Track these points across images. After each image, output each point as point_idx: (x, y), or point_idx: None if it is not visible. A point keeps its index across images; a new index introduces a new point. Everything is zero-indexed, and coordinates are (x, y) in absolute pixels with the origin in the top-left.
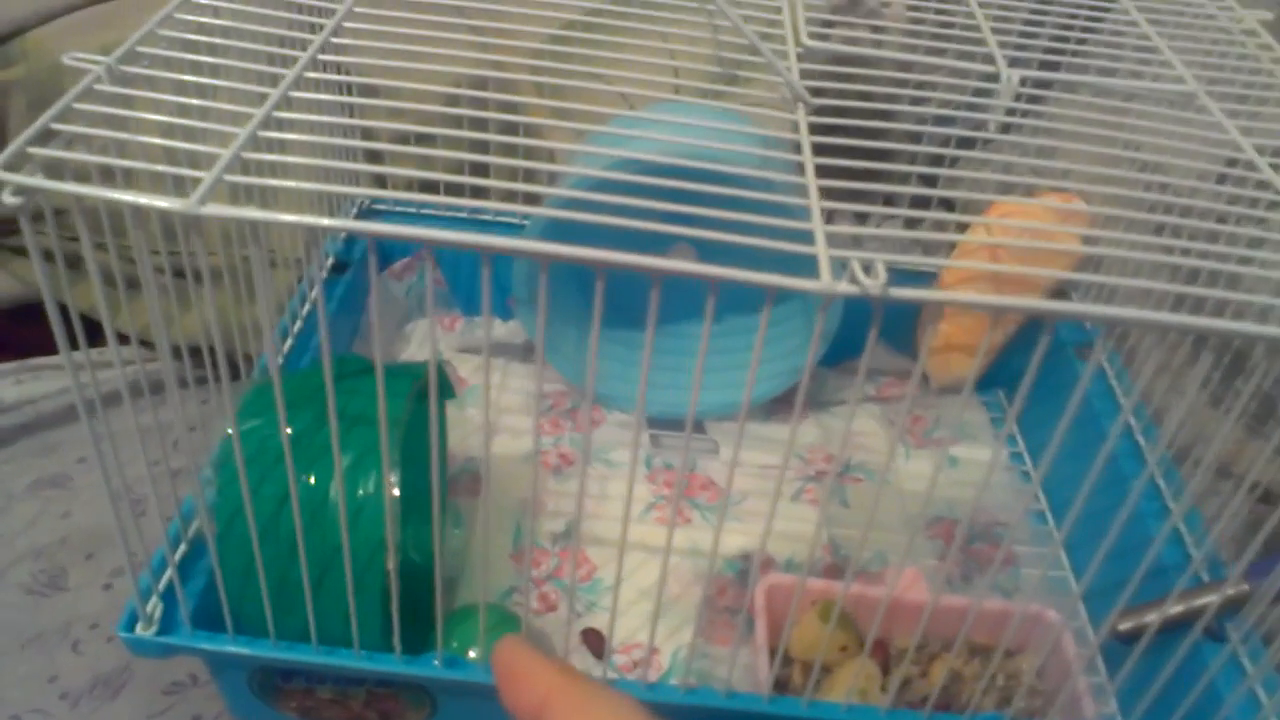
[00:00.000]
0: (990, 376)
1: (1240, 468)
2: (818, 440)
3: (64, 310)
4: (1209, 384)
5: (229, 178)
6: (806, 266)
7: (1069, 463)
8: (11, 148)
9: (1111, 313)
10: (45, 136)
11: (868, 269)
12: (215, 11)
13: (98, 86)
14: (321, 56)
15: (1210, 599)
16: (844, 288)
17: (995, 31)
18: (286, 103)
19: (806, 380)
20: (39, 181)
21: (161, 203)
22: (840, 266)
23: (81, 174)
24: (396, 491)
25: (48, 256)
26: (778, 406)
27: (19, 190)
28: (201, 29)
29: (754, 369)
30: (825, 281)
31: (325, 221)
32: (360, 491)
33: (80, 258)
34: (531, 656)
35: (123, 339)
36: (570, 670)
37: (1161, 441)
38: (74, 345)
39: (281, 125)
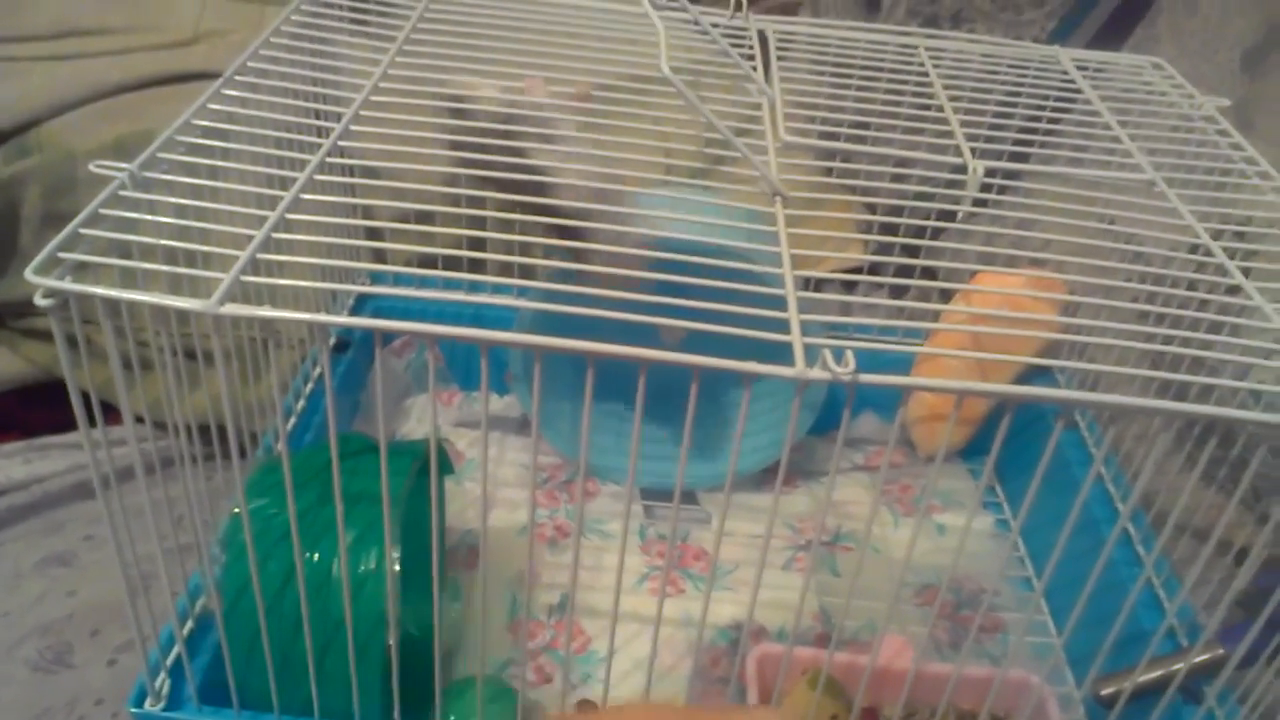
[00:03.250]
0: (977, 444)
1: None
2: (808, 509)
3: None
4: (1184, 450)
5: (244, 278)
6: (784, 351)
7: (1054, 530)
8: (43, 254)
9: (1073, 396)
10: (73, 240)
11: (839, 357)
12: (229, 117)
13: (121, 193)
14: (329, 160)
15: (1184, 663)
16: (816, 374)
17: (965, 125)
18: (297, 204)
19: (785, 458)
20: (69, 285)
21: (185, 304)
22: (815, 353)
23: (104, 271)
24: (397, 568)
25: (70, 342)
26: (769, 476)
27: (50, 293)
28: (216, 135)
29: (737, 446)
30: (799, 368)
31: (334, 319)
32: (362, 568)
33: (92, 340)
34: None
35: (137, 418)
36: None
37: (1130, 502)
38: (92, 424)
39: (291, 226)
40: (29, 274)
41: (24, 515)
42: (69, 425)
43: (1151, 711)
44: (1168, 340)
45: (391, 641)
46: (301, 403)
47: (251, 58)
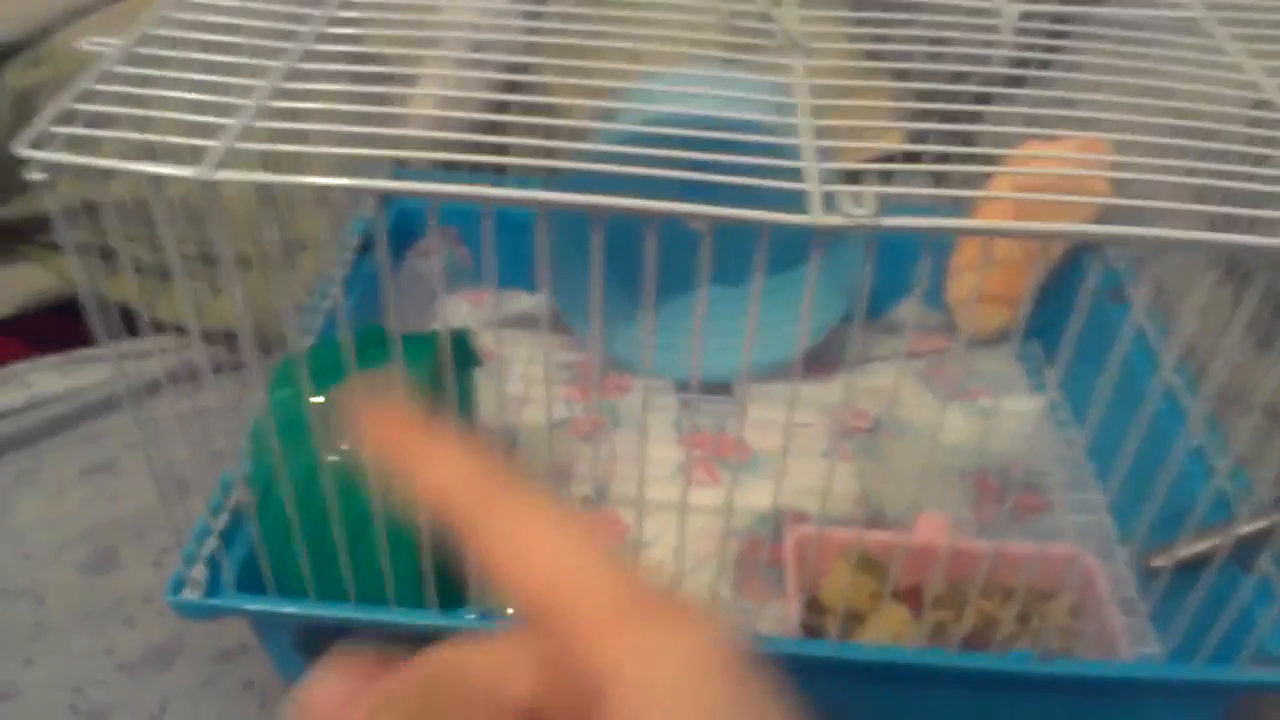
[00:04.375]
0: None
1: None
2: (844, 398)
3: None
4: (1256, 331)
5: (246, 145)
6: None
7: (1106, 411)
8: (35, 127)
9: (1138, 233)
10: (67, 117)
11: (858, 200)
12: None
13: (115, 68)
14: (329, 30)
15: (1249, 527)
16: (833, 220)
17: None
18: (295, 74)
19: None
20: (63, 157)
21: (178, 171)
22: (831, 200)
23: (101, 154)
24: None
25: (83, 250)
26: (807, 363)
27: (45, 167)
28: (213, 9)
29: (751, 337)
30: (815, 213)
31: (339, 181)
32: None
33: (114, 251)
34: (399, 415)
35: (160, 327)
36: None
37: (1168, 360)
38: (114, 336)
39: (293, 95)
40: (22, 149)
41: (65, 425)
42: (111, 337)
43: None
44: (1229, 178)
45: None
46: (327, 302)
47: None
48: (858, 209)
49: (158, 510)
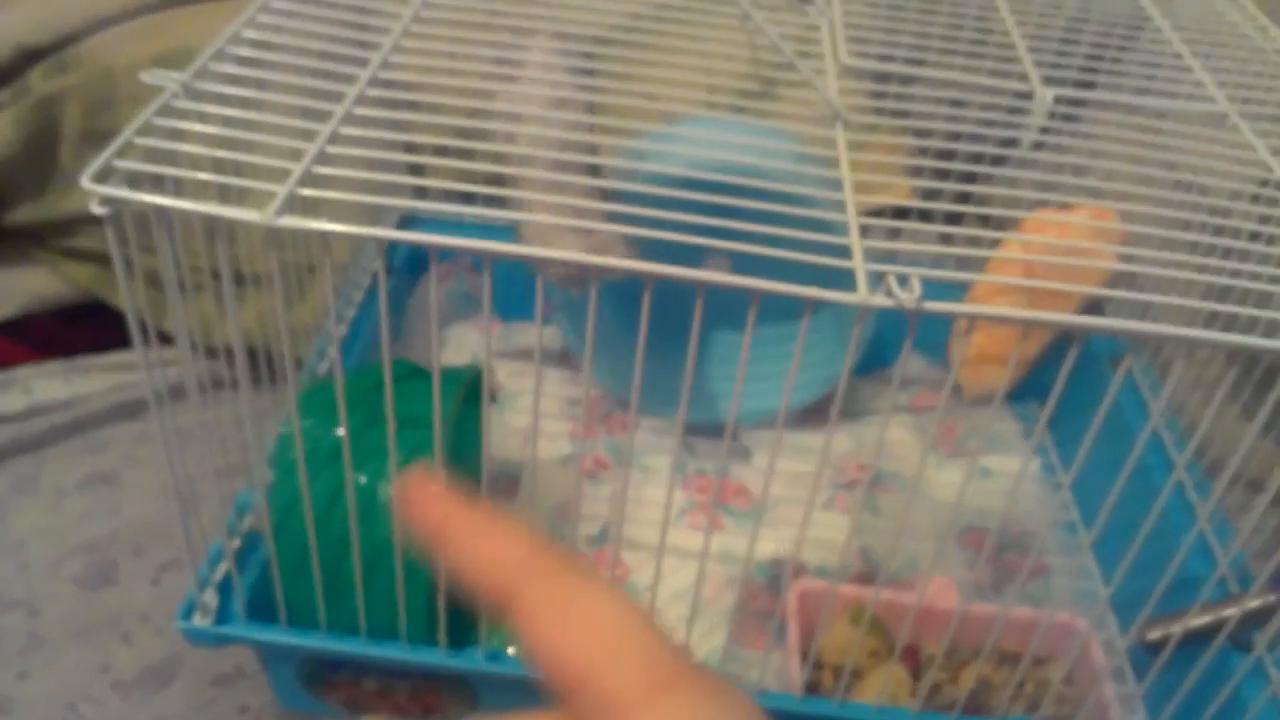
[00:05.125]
0: (1024, 388)
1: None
2: (850, 449)
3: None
4: (1240, 398)
5: (300, 191)
6: (841, 278)
7: (1101, 475)
8: (99, 160)
9: (1141, 328)
10: (128, 151)
11: (903, 283)
12: (277, 29)
13: (175, 103)
14: (381, 74)
15: (1236, 609)
16: (880, 300)
17: (1030, 50)
18: (350, 119)
19: (842, 390)
20: (125, 193)
21: (243, 215)
22: (876, 279)
23: (156, 185)
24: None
25: (100, 261)
26: (809, 414)
27: (105, 201)
28: (267, 46)
29: (792, 377)
30: (861, 294)
31: (394, 234)
32: None
33: (131, 262)
34: (435, 488)
35: (167, 339)
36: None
37: (1188, 451)
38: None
39: (345, 140)
40: (85, 181)
41: (66, 434)
42: (109, 345)
43: (1196, 659)
44: (1235, 274)
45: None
46: (343, 327)
47: None
48: (903, 292)
49: (158, 525)
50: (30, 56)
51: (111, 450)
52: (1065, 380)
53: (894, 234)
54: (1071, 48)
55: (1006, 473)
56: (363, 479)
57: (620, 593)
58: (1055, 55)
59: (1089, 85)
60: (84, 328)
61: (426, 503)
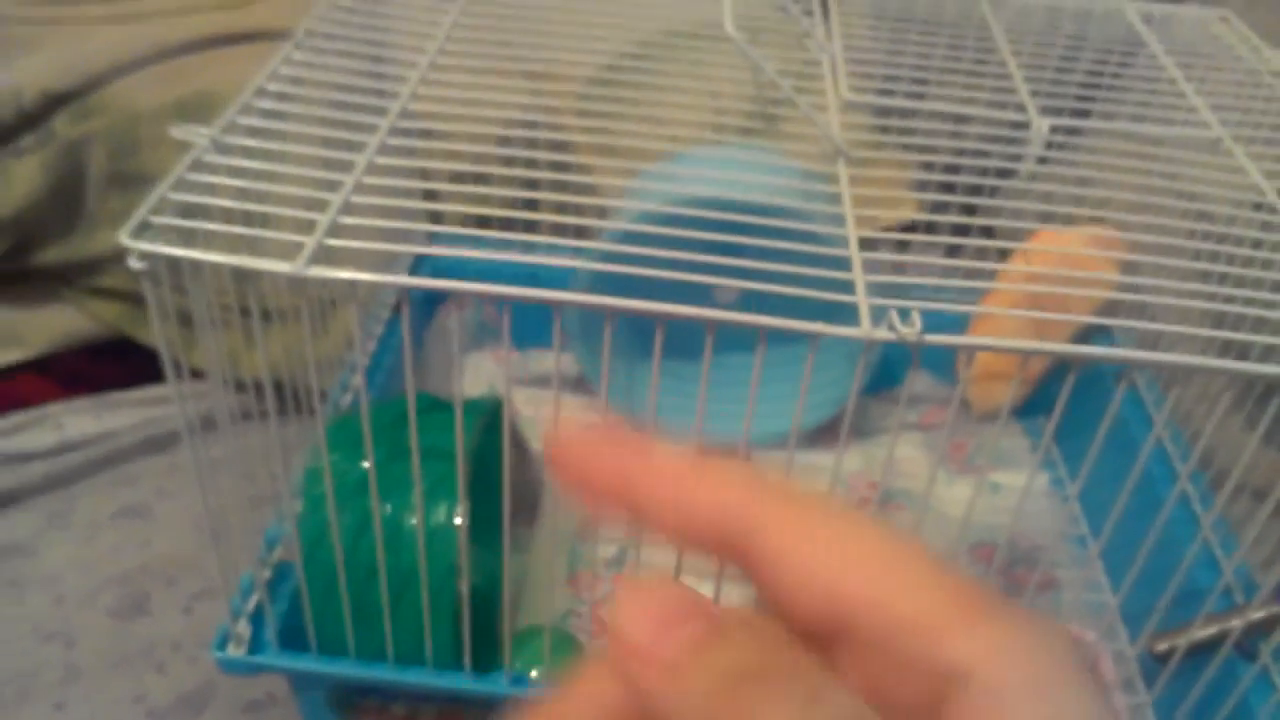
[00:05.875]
0: (1032, 404)
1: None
2: (860, 467)
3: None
4: (1244, 409)
5: (333, 242)
6: (845, 310)
7: (1109, 489)
8: (136, 217)
9: (1142, 357)
10: (163, 207)
11: (904, 316)
12: (298, 80)
13: (204, 157)
14: (400, 123)
15: (1240, 621)
16: (882, 334)
17: (1027, 79)
18: (372, 168)
19: (849, 417)
20: (162, 249)
21: (275, 267)
22: (880, 313)
23: (188, 238)
24: (459, 520)
25: (140, 301)
26: (820, 435)
27: (143, 256)
28: (289, 98)
29: (801, 403)
30: (865, 329)
31: (418, 282)
32: (432, 521)
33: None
34: (604, 432)
35: (200, 375)
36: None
37: (1190, 463)
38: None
39: (369, 190)
40: (125, 239)
41: (97, 469)
42: (136, 380)
43: (1205, 669)
44: (1230, 299)
45: (463, 590)
46: (364, 360)
47: (316, 19)
48: (905, 327)
49: (189, 556)
50: (56, 101)
51: (142, 483)
52: (1069, 398)
53: (899, 263)
54: (1067, 75)
55: (1015, 488)
56: (388, 510)
57: (886, 521)
58: (1051, 84)
59: (1085, 113)
60: (110, 363)
61: (603, 454)
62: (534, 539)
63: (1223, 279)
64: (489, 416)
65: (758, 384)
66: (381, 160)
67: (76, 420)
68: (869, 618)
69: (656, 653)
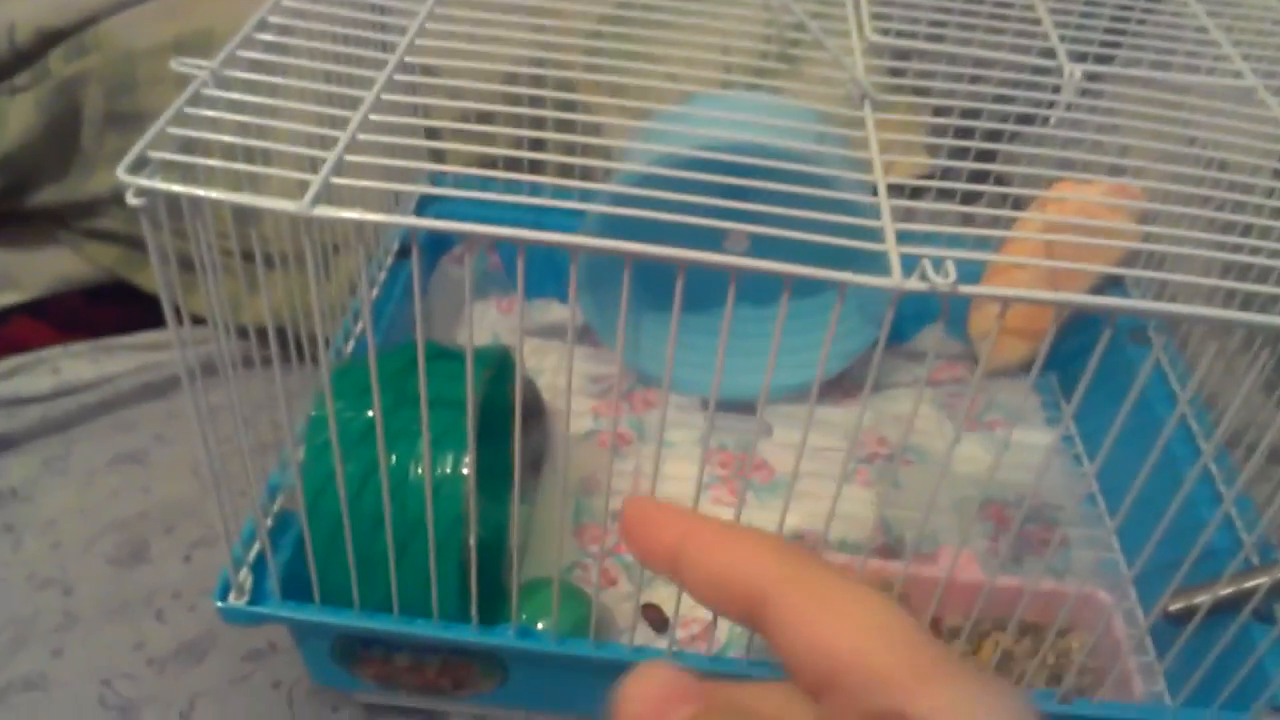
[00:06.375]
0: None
1: None
2: (869, 423)
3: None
4: (1264, 371)
5: (339, 180)
6: (868, 259)
7: (1120, 447)
8: (133, 152)
9: (1169, 309)
10: (162, 142)
11: (937, 265)
12: (301, 14)
13: (205, 91)
14: (407, 59)
15: (1260, 581)
16: (914, 284)
17: (1055, 24)
18: (378, 106)
19: (876, 365)
20: (161, 185)
21: (280, 205)
22: (910, 262)
23: (188, 174)
24: (466, 470)
25: (139, 244)
26: (829, 389)
27: (141, 192)
28: (292, 31)
29: (824, 354)
30: (895, 279)
31: (424, 222)
32: (439, 470)
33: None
34: (664, 505)
35: (200, 320)
36: (705, 515)
37: (1216, 429)
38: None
39: (376, 127)
40: (122, 174)
41: (95, 414)
42: (134, 325)
43: (1217, 630)
44: (1253, 252)
45: (471, 541)
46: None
47: None
48: (938, 276)
49: (188, 503)
50: (50, 39)
51: (140, 429)
52: (1074, 355)
53: (916, 212)
54: (1093, 20)
55: (1025, 445)
56: (394, 459)
57: (877, 590)
58: (1076, 30)
59: (1109, 59)
60: (108, 307)
61: (659, 523)
62: (540, 491)
63: (1246, 231)
64: (496, 366)
65: (780, 335)
66: (388, 97)
67: (73, 365)
68: (848, 673)
69: None
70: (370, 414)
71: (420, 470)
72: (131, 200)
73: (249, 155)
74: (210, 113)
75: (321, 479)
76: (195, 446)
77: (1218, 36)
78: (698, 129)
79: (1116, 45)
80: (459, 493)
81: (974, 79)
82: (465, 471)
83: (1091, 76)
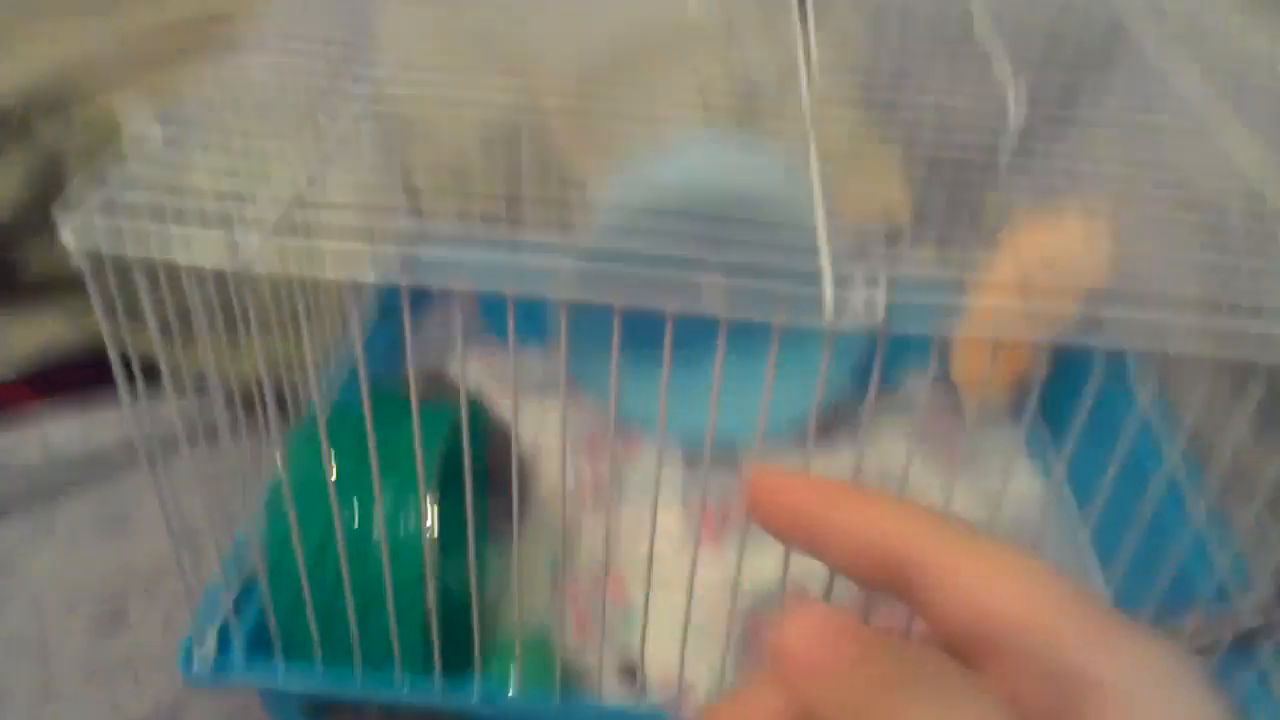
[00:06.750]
0: (1025, 401)
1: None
2: (848, 469)
3: (125, 358)
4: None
5: (276, 239)
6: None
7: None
8: (76, 214)
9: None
10: (107, 204)
11: (869, 303)
12: (258, 71)
13: (154, 148)
14: (358, 109)
15: (1231, 630)
16: (847, 321)
17: (1010, 59)
18: (327, 160)
19: (816, 412)
20: (102, 246)
21: (215, 262)
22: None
23: (140, 238)
24: (428, 523)
25: (112, 309)
26: (814, 433)
27: (85, 252)
28: (246, 87)
29: (766, 399)
30: (828, 315)
31: (368, 280)
32: (400, 530)
33: (138, 306)
34: (793, 472)
35: (181, 385)
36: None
37: (1219, 466)
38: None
39: (324, 182)
40: (65, 235)
41: (81, 479)
42: (130, 392)
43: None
44: (1224, 283)
45: (430, 601)
46: (321, 372)
47: (273, 11)
48: (868, 315)
49: (168, 567)
50: (35, 106)
51: (125, 494)
52: (1056, 395)
53: (892, 246)
54: (1051, 59)
55: (1011, 492)
56: (357, 518)
57: (1018, 549)
58: (1035, 69)
59: (1073, 96)
60: (99, 368)
61: (791, 490)
62: (517, 544)
63: (1215, 266)
64: (464, 419)
65: (744, 371)
66: (338, 152)
67: (61, 430)
68: (1013, 635)
69: (818, 664)
70: (336, 471)
71: (373, 529)
72: (75, 262)
73: (188, 216)
74: (160, 174)
75: (283, 540)
76: (175, 510)
77: (1172, 68)
78: (654, 179)
79: (1076, 88)
80: (419, 552)
81: (937, 127)
82: (431, 525)
83: (1053, 119)
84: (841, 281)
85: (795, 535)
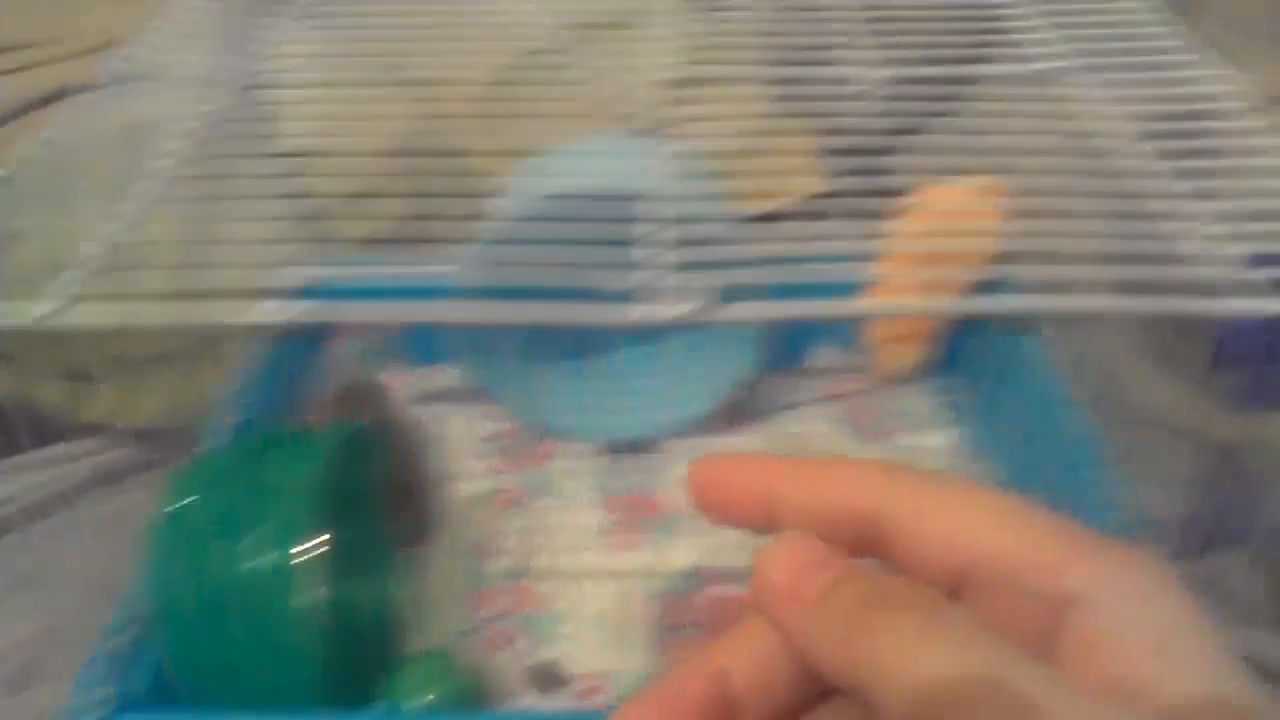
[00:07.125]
0: (939, 363)
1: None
2: (766, 446)
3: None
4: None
5: (95, 288)
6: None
7: (1024, 443)
8: None
9: (1042, 305)
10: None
11: (686, 295)
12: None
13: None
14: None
15: None
16: (660, 313)
17: (877, 33)
18: (164, 199)
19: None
20: None
21: (15, 322)
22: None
23: None
24: (309, 551)
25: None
26: (721, 417)
27: None
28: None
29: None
30: (642, 310)
31: (211, 319)
32: (293, 561)
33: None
34: (735, 458)
35: (86, 430)
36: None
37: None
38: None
39: (149, 227)
40: None
41: None
42: (35, 443)
43: None
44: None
45: (318, 629)
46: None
47: (130, 51)
48: (677, 308)
49: (79, 621)
50: None
51: (35, 549)
52: (969, 354)
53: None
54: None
55: (924, 448)
56: (245, 549)
57: (988, 488)
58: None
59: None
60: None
61: (739, 476)
62: (435, 557)
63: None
64: (348, 442)
65: (657, 364)
66: (167, 194)
67: None
68: (988, 565)
69: (797, 592)
70: (220, 507)
71: (255, 564)
72: None
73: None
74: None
75: (167, 579)
76: (86, 563)
77: (1034, 23)
78: (539, 184)
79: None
80: (309, 581)
81: (833, 97)
82: (317, 554)
83: (906, 80)
84: (662, 271)
85: (753, 518)
